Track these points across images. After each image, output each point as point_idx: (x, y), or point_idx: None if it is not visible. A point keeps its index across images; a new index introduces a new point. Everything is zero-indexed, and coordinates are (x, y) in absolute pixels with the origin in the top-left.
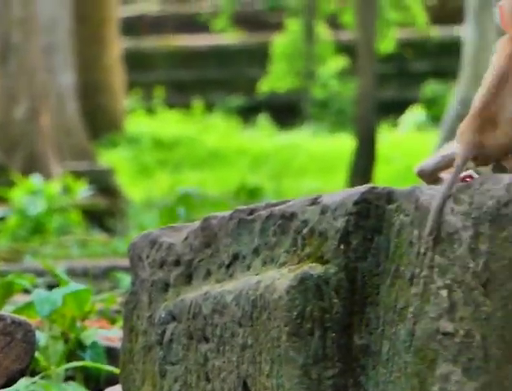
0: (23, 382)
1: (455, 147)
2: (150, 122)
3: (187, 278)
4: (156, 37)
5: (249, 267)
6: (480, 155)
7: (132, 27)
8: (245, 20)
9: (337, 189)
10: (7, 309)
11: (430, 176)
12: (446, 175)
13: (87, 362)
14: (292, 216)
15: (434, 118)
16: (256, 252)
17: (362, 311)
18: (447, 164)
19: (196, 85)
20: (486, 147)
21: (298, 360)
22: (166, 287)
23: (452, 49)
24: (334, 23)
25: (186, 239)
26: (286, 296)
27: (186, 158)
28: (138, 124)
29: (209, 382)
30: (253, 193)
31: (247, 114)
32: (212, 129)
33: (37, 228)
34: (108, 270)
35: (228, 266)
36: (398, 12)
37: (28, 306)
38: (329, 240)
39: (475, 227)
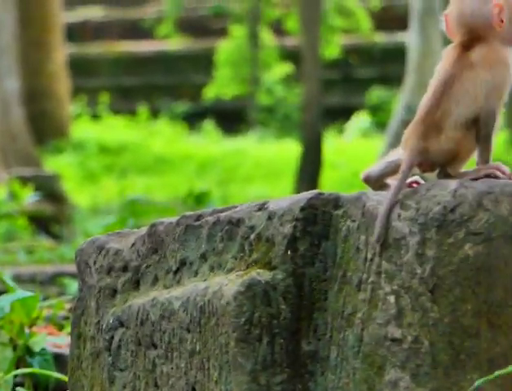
0: None
1: (400, 154)
2: (95, 128)
3: (135, 285)
4: (100, 43)
5: (196, 273)
6: (426, 161)
7: (76, 33)
8: (190, 26)
9: (283, 195)
10: None
11: (377, 182)
12: (392, 181)
13: (36, 369)
14: (239, 222)
15: (380, 124)
16: (203, 257)
17: (310, 317)
18: (393, 170)
19: (141, 91)
20: (431, 153)
21: (247, 366)
22: (114, 293)
23: (396, 55)
24: (279, 29)
25: (133, 245)
26: (234, 302)
27: (132, 164)
28: (83, 130)
29: (158, 388)
30: (200, 199)
31: (193, 120)
32: (158, 135)
33: None
34: (55, 276)
35: (176, 272)
36: (342, 18)
37: None
38: (277, 246)
39: (422, 233)
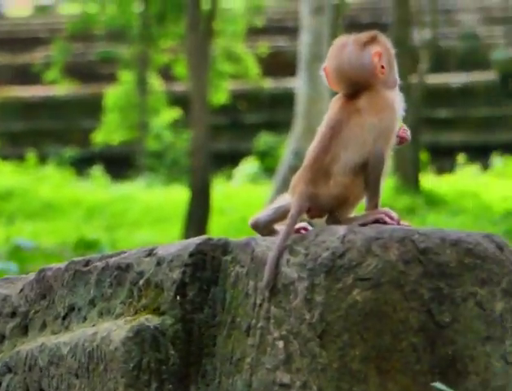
0: None
1: (289, 199)
2: None
3: (23, 330)
4: None
5: (85, 319)
6: (315, 207)
7: None
8: (78, 71)
9: (172, 240)
10: None
11: (265, 228)
12: (280, 227)
13: None
14: (128, 267)
15: (268, 170)
16: (92, 303)
17: (199, 362)
18: (281, 215)
19: (29, 137)
20: (320, 199)
21: None
22: (2, 338)
23: (284, 101)
24: (167, 74)
25: (21, 290)
26: (122, 348)
27: (20, 209)
28: None
29: None
30: (90, 245)
31: (81, 165)
32: (46, 180)
33: None
34: None
35: (64, 318)
36: (230, 64)
37: None
38: (165, 292)
39: (311, 278)
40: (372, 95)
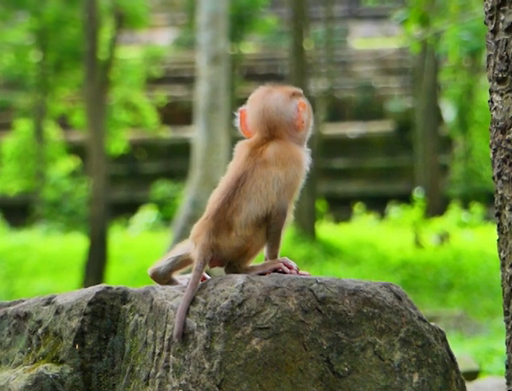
0: None
1: (187, 248)
2: None
3: None
4: None
5: None
6: (216, 257)
7: None
8: None
9: (70, 289)
10: None
11: (164, 277)
12: (179, 277)
13: None
14: (26, 316)
15: (166, 219)
16: None
17: None
18: (180, 265)
19: None
20: (221, 249)
21: None
22: None
23: (182, 150)
24: (64, 123)
25: None
26: None
27: None
28: None
29: None
30: None
31: None
32: None
33: None
34: None
35: None
36: (128, 113)
37: None
38: (64, 340)
39: (210, 328)
40: (281, 147)
